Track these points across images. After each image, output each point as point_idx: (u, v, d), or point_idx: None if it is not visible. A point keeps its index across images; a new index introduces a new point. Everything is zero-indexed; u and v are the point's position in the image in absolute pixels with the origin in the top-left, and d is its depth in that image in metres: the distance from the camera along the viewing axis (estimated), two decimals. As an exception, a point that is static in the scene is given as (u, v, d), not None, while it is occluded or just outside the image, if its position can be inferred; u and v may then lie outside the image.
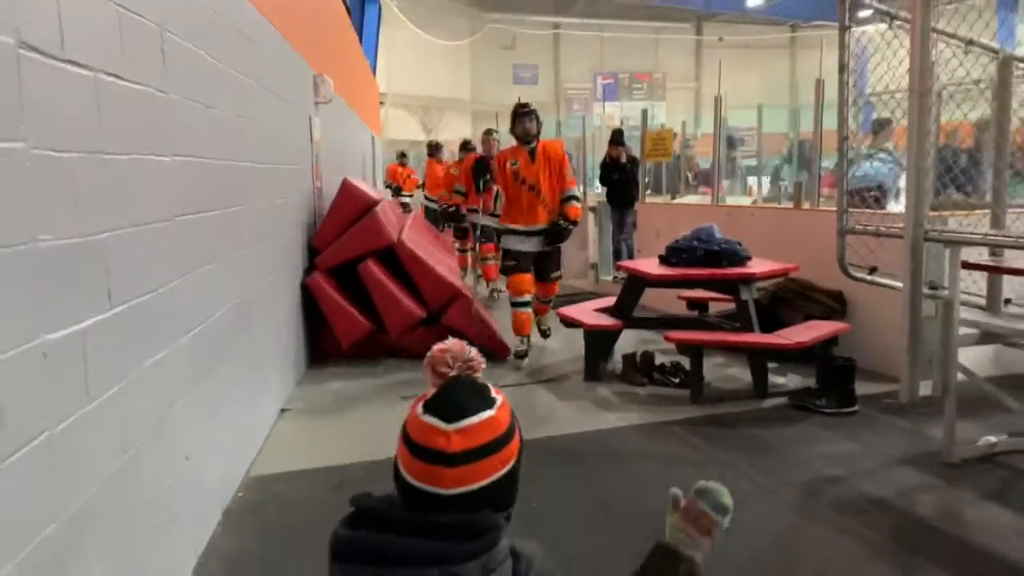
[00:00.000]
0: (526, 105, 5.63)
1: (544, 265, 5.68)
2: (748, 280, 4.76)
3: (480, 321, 5.54)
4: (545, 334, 6.03)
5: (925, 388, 3.76)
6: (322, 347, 5.55)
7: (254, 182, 3.84)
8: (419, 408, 1.09)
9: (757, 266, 4.86)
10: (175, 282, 2.55)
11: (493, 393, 1.12)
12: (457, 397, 1.09)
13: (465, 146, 9.53)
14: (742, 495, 3.22)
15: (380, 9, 20.26)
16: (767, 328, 4.76)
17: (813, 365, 4.65)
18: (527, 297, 5.51)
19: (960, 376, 3.58)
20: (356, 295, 5.44)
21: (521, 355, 5.53)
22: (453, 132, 22.32)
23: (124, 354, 2.12)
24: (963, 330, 3.63)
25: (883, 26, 3.90)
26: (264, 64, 4.19)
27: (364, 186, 6.35)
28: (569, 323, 5.28)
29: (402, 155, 14.18)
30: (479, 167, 6.63)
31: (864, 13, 4.01)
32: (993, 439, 3.66)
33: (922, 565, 2.70)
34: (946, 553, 2.76)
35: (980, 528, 2.94)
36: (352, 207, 5.63)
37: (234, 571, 2.70)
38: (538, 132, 5.58)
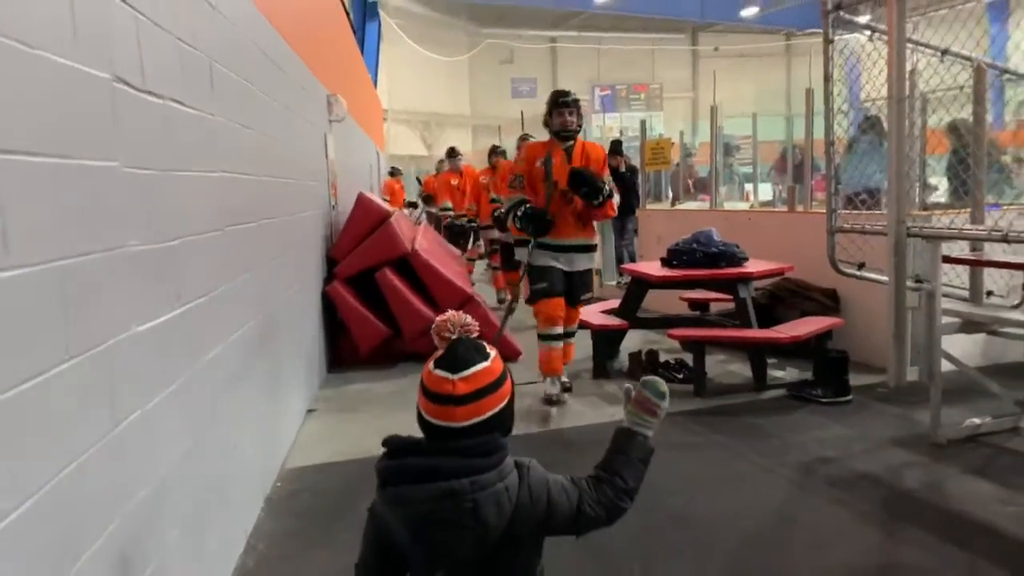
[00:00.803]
0: (567, 93, 4.71)
1: (575, 286, 4.72)
2: (746, 279, 5.03)
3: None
4: (566, 387, 4.82)
5: (913, 375, 4.04)
6: (341, 353, 5.83)
7: (281, 196, 4.13)
8: (431, 365, 1.47)
9: (754, 266, 5.14)
10: (224, 287, 2.83)
11: (487, 349, 1.49)
12: (459, 353, 1.45)
13: (494, 150, 8.97)
14: (743, 473, 3.53)
15: (380, 26, 20.70)
16: (765, 325, 5.03)
17: (809, 358, 4.92)
18: (559, 328, 4.65)
19: (947, 365, 3.84)
20: (372, 303, 5.72)
21: (554, 400, 4.68)
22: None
23: (189, 348, 2.39)
24: (945, 319, 3.90)
25: (867, 37, 4.20)
26: (288, 87, 4.49)
27: (377, 199, 6.64)
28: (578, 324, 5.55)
29: (395, 170, 14.53)
30: None
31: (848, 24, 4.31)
32: (977, 421, 3.92)
33: (909, 529, 2.95)
34: (931, 519, 3.02)
35: (962, 498, 3.19)
36: (368, 219, 5.91)
37: (277, 549, 2.96)
38: (579, 127, 4.72)
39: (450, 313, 1.52)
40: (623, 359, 5.43)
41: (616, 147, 8.91)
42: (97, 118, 1.80)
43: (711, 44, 26.70)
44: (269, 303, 3.69)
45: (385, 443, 1.48)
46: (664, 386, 1.63)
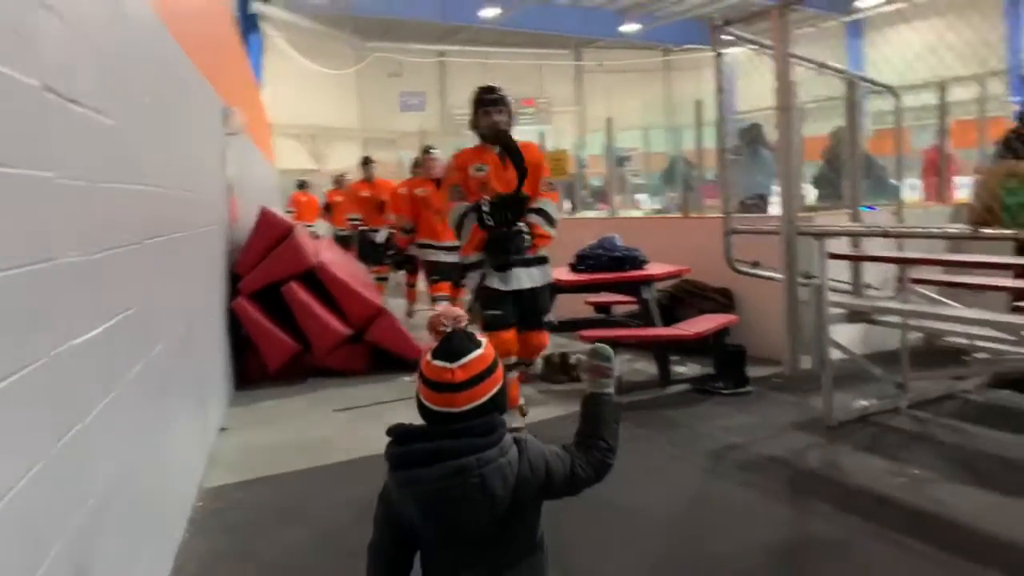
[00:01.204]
0: (492, 90, 4.16)
1: (531, 307, 4.17)
2: (648, 281, 5.28)
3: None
4: (523, 411, 4.42)
5: (806, 363, 4.36)
6: (247, 370, 5.68)
7: (189, 210, 4.03)
8: (428, 357, 1.59)
9: (655, 269, 5.40)
10: (145, 301, 2.76)
11: (479, 338, 1.63)
12: (455, 344, 1.58)
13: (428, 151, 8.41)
14: (658, 464, 3.71)
15: (262, 39, 20.22)
16: (667, 324, 5.30)
17: (709, 354, 5.20)
18: (514, 359, 4.18)
19: (835, 353, 4.18)
20: (279, 318, 5.62)
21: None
22: (342, 160, 22.41)
23: (117, 363, 2.33)
24: (832, 311, 4.23)
25: (746, 50, 4.52)
26: (189, 98, 4.39)
27: (280, 213, 6.53)
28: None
29: (303, 183, 13.88)
30: None
31: (730, 38, 4.63)
32: (865, 403, 4.28)
33: (814, 504, 3.21)
34: (830, 493, 3.29)
35: (856, 472, 3.49)
36: (271, 233, 5.82)
37: (211, 570, 2.90)
38: (510, 126, 4.18)
39: (443, 308, 1.66)
40: (537, 363, 5.56)
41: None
42: (31, 127, 1.76)
43: (594, 60, 27.53)
44: (184, 318, 3.60)
45: (390, 432, 1.59)
46: (608, 350, 1.80)
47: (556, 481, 1.61)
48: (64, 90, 1.98)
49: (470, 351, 1.57)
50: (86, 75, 2.19)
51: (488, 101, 4.10)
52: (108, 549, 2.07)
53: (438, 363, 1.55)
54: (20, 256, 1.62)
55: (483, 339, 1.63)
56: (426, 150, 7.61)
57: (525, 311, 4.14)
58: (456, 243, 5.41)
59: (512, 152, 4.07)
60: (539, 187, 4.18)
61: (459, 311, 1.67)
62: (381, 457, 1.62)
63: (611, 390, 1.77)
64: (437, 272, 6.56)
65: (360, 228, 9.31)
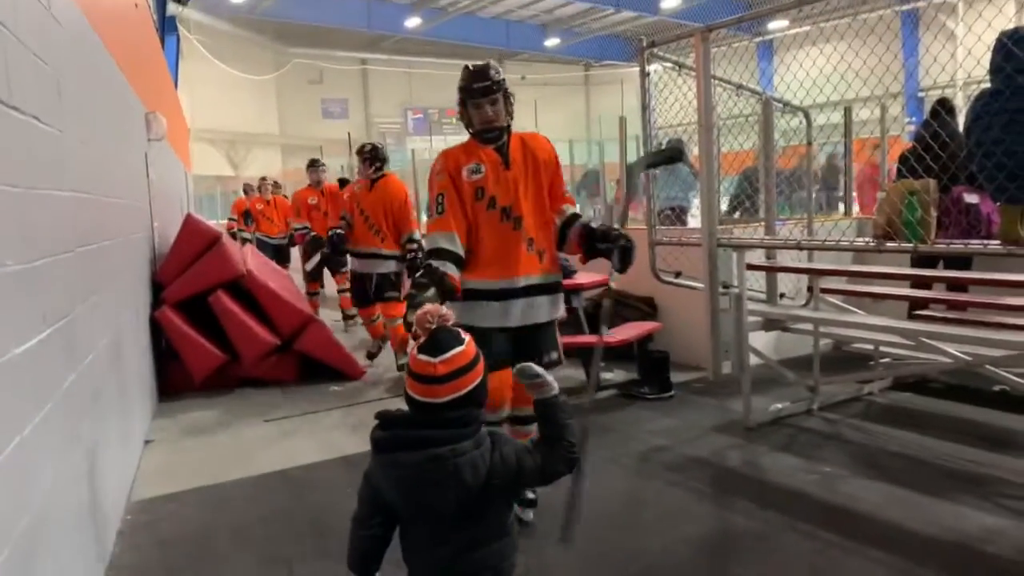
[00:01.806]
0: (483, 73, 3.03)
1: (532, 346, 3.08)
2: (576, 290, 5.43)
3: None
4: (532, 503, 3.23)
5: (726, 368, 4.58)
6: (171, 381, 5.55)
7: (117, 217, 3.95)
8: (415, 351, 1.74)
9: (583, 278, 5.55)
10: (78, 309, 2.71)
11: (462, 335, 1.77)
12: (439, 340, 1.73)
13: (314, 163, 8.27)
14: (591, 467, 3.82)
15: (179, 41, 19.67)
16: (593, 332, 5.45)
17: (634, 361, 5.38)
18: (504, 412, 3.13)
19: (753, 359, 4.40)
20: (204, 328, 5.51)
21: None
22: (260, 167, 22.00)
23: (53, 373, 2.29)
24: (750, 319, 4.46)
25: (662, 67, 4.72)
26: (115, 103, 4.29)
27: (205, 220, 6.41)
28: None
29: (249, 188, 11.87)
30: None
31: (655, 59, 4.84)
32: (780, 406, 4.52)
33: (734, 500, 3.39)
34: (752, 491, 3.47)
35: (773, 471, 3.70)
36: (197, 241, 5.70)
37: (143, 582, 2.86)
38: (511, 117, 3.12)
39: (428, 307, 1.78)
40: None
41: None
42: (-25, 133, 1.74)
43: (517, 72, 27.87)
44: (113, 327, 3.53)
45: (378, 416, 1.75)
46: (531, 368, 1.88)
47: (527, 474, 1.75)
48: (6, 96, 1.96)
49: (452, 347, 1.71)
50: (23, 80, 2.16)
51: (478, 89, 3.01)
52: (43, 566, 2.04)
53: (423, 357, 1.71)
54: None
55: (466, 336, 1.77)
56: (312, 162, 8.24)
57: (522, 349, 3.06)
58: (373, 249, 5.85)
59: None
60: (561, 186, 3.24)
61: (444, 309, 1.79)
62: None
63: (555, 392, 1.88)
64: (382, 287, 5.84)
65: (314, 236, 8.37)
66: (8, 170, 1.94)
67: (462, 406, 1.69)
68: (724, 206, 6.88)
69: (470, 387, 1.70)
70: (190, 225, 5.82)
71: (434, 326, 1.75)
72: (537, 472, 1.76)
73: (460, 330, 1.79)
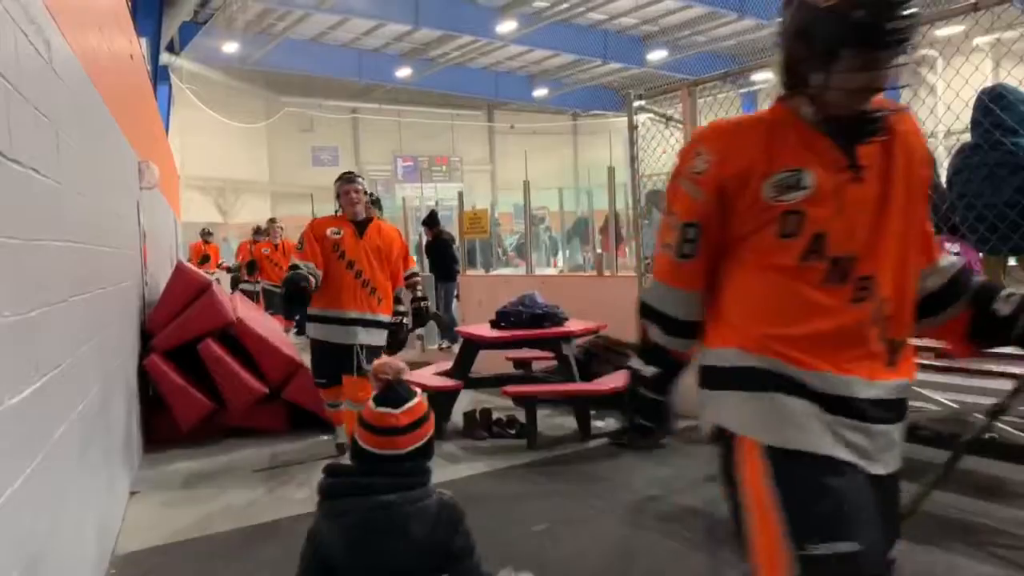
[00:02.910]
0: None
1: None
2: (568, 338, 5.45)
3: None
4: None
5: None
6: (157, 430, 5.49)
7: (109, 266, 3.96)
8: (371, 404, 1.75)
9: (574, 325, 5.58)
10: (69, 360, 2.70)
11: (414, 388, 1.82)
12: (399, 392, 1.77)
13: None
14: (583, 516, 3.81)
15: (171, 90, 19.89)
16: (584, 379, 5.46)
17: (625, 409, 5.37)
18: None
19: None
20: (191, 376, 5.47)
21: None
22: (250, 214, 22.06)
23: (44, 424, 2.28)
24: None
25: (647, 117, 4.82)
26: (109, 152, 4.34)
27: (196, 269, 6.42)
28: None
29: (207, 233, 13.58)
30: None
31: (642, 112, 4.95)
32: (770, 454, 4.51)
33: (727, 551, 3.36)
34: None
35: (768, 520, 3.68)
36: (187, 289, 5.70)
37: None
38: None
39: (385, 359, 1.83)
40: (456, 420, 5.60)
41: (432, 218, 9.26)
42: (-23, 186, 1.76)
43: (506, 121, 28.28)
44: (102, 377, 3.50)
45: (328, 468, 1.77)
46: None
47: (464, 555, 1.75)
48: (7, 149, 1.99)
49: (410, 399, 1.76)
50: (24, 133, 2.19)
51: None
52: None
53: (382, 409, 1.73)
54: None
55: (417, 389, 1.83)
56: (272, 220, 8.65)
57: None
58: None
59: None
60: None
61: (400, 363, 1.83)
62: (302, 517, 1.76)
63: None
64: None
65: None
66: (7, 221, 1.95)
67: (416, 457, 1.73)
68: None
69: (426, 438, 1.76)
70: (181, 273, 5.82)
71: (390, 378, 1.78)
72: (475, 563, 1.77)
73: (410, 384, 1.84)
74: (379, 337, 4.66)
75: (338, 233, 4.64)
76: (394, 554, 1.62)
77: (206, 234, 13.45)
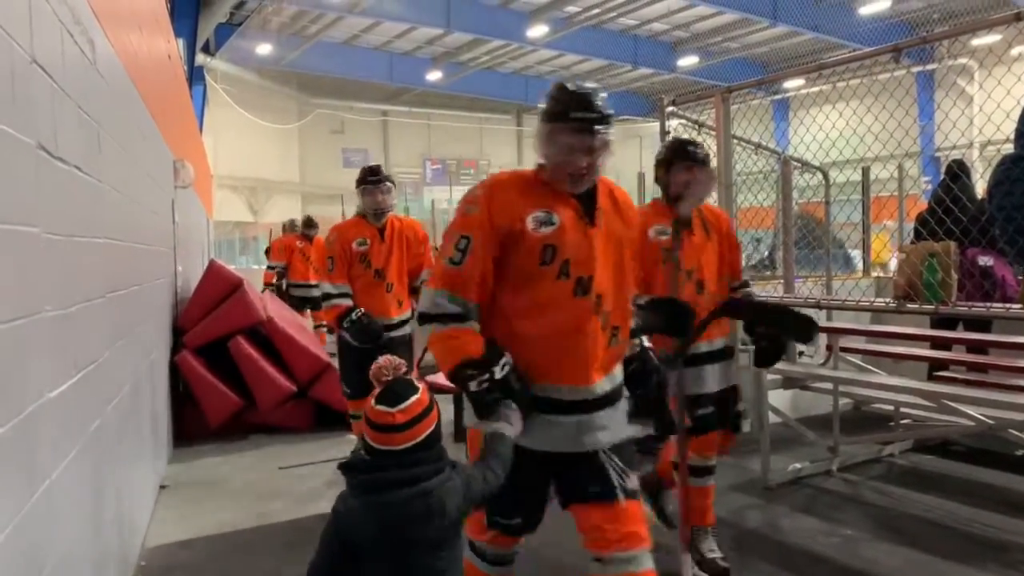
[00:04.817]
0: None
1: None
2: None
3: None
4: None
5: (745, 426, 4.53)
6: (187, 426, 5.56)
7: (144, 263, 4.02)
8: (372, 402, 1.78)
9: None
10: (106, 355, 2.75)
11: (417, 384, 1.82)
12: (396, 391, 1.78)
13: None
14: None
15: (205, 90, 20.19)
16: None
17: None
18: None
19: (772, 418, 4.37)
20: (222, 373, 5.54)
21: None
22: (280, 213, 22.29)
23: (81, 417, 2.32)
24: (770, 377, 4.44)
25: (680, 125, 4.80)
26: (146, 150, 4.41)
27: (227, 267, 6.50)
28: (437, 390, 5.66)
29: (301, 224, 10.04)
30: None
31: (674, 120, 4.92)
32: (799, 466, 4.47)
33: (755, 562, 3.33)
34: (771, 553, 3.42)
35: (794, 533, 3.65)
36: (219, 287, 5.77)
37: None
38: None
39: (385, 359, 1.82)
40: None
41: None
42: (24, 184, 1.80)
43: (535, 126, 28.30)
44: (135, 372, 3.56)
45: (346, 465, 1.79)
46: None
47: (478, 499, 1.85)
48: (52, 148, 2.03)
49: (408, 397, 1.77)
50: (68, 132, 2.24)
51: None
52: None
53: (380, 407, 1.76)
54: (4, 312, 1.64)
55: (421, 384, 1.83)
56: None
57: None
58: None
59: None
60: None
61: (398, 360, 1.85)
62: (326, 516, 1.80)
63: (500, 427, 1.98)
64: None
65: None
66: (51, 218, 1.99)
67: (425, 448, 1.76)
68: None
69: (427, 432, 1.77)
70: (213, 271, 5.90)
71: (391, 377, 1.80)
72: (484, 498, 1.86)
73: (414, 379, 1.86)
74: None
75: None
76: (430, 530, 1.71)
77: (309, 226, 9.87)
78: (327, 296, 4.45)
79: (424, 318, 2.14)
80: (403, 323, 4.63)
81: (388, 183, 4.55)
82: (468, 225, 2.10)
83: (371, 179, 4.52)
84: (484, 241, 2.06)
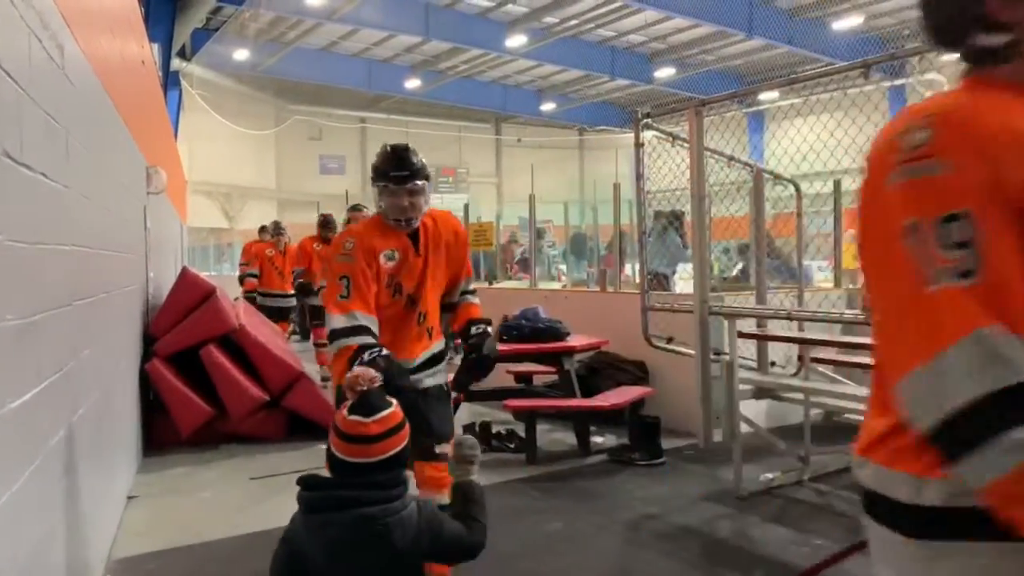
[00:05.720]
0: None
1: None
2: (569, 353, 5.45)
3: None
4: None
5: (717, 436, 4.57)
6: (157, 435, 5.49)
7: (113, 270, 3.97)
8: (344, 412, 1.77)
9: (576, 341, 5.57)
10: (71, 364, 2.71)
11: (388, 399, 1.83)
12: (371, 402, 1.79)
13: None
14: (581, 533, 3.80)
15: (181, 95, 20.02)
16: (585, 395, 5.44)
17: (625, 426, 5.37)
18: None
19: (744, 427, 4.40)
20: (192, 381, 5.48)
21: None
22: (256, 220, 22.11)
23: (44, 428, 2.28)
24: (742, 386, 4.47)
25: (655, 137, 4.84)
26: (118, 158, 4.36)
27: (200, 274, 6.44)
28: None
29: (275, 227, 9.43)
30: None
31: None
32: (771, 475, 4.50)
33: (726, 572, 3.35)
34: (743, 562, 3.45)
35: (765, 542, 3.67)
36: (192, 294, 5.72)
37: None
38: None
39: (359, 370, 1.86)
40: (456, 432, 5.58)
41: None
42: (-12, 190, 1.77)
43: (514, 135, 28.39)
44: (103, 381, 3.51)
45: (303, 480, 1.79)
46: (471, 440, 2.16)
47: (448, 540, 1.80)
48: (17, 154, 2.00)
49: (383, 408, 1.77)
50: (34, 138, 2.21)
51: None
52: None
53: (355, 418, 1.74)
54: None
55: (392, 400, 1.83)
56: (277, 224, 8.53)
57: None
58: None
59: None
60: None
61: (373, 372, 1.87)
62: None
63: (474, 476, 2.04)
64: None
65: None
66: (15, 226, 1.96)
67: (391, 467, 1.74)
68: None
69: (399, 448, 1.76)
70: (186, 278, 5.84)
71: (365, 388, 1.81)
72: (459, 539, 1.83)
73: (386, 395, 1.86)
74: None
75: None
76: (379, 561, 1.66)
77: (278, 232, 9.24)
78: (334, 335, 2.79)
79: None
80: (435, 360, 3.04)
81: (419, 181, 2.87)
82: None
83: (394, 175, 2.86)
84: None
